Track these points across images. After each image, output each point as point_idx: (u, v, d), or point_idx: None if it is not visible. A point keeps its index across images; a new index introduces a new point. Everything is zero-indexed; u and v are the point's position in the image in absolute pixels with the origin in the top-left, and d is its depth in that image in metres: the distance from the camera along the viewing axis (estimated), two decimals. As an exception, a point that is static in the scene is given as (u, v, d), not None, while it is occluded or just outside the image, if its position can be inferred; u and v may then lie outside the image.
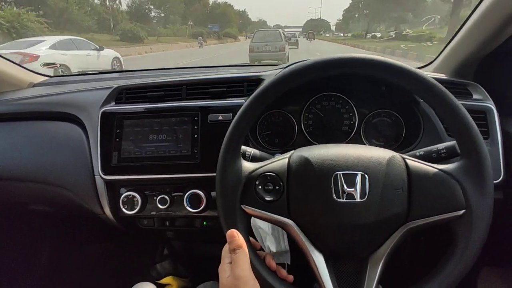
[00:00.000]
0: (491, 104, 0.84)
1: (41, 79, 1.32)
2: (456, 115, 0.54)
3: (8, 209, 1.24)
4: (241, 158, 0.61)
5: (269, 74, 0.91)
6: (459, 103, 0.54)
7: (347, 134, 0.93)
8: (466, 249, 0.53)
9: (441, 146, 0.65)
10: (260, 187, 0.58)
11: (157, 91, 0.92)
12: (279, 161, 0.60)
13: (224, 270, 0.52)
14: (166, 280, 1.13)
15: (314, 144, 0.91)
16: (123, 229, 0.97)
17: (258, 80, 0.90)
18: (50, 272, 1.36)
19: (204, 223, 0.95)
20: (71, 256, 1.41)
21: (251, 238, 0.61)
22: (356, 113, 0.93)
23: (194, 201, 0.85)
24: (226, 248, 0.55)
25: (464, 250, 0.53)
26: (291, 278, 0.60)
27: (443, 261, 0.55)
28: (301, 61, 0.61)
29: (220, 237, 0.58)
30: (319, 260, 0.56)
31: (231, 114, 0.85)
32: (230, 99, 0.89)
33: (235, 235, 0.54)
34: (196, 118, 0.87)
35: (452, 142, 0.65)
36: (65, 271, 1.39)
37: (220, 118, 0.86)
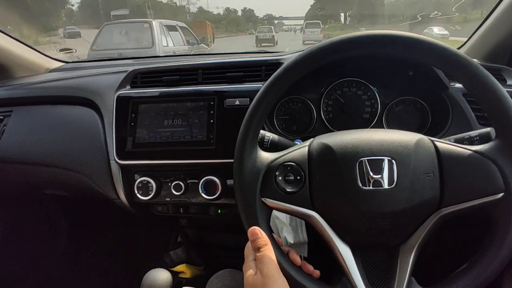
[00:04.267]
0: None
1: (57, 64, 1.32)
2: (498, 99, 0.49)
3: (25, 193, 1.25)
4: (259, 148, 0.58)
5: (289, 58, 0.87)
6: (499, 85, 0.50)
7: (369, 122, 0.89)
8: (507, 233, 0.49)
9: (473, 133, 0.61)
10: (280, 178, 0.55)
11: (173, 75, 0.90)
12: (299, 150, 0.57)
13: (249, 268, 0.49)
14: (180, 267, 1.13)
15: (333, 132, 0.88)
16: (138, 214, 0.97)
17: (277, 64, 0.87)
18: (67, 256, 1.38)
19: (219, 211, 0.93)
20: (87, 241, 1.43)
21: (273, 234, 0.58)
22: (378, 100, 0.88)
23: (209, 188, 0.83)
24: (248, 245, 0.52)
25: (505, 235, 0.49)
26: (317, 273, 0.57)
27: (482, 248, 0.51)
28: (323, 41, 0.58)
29: (234, 227, 0.56)
30: (346, 252, 0.53)
31: (248, 99, 0.82)
32: (248, 83, 0.86)
33: (258, 233, 0.51)
34: (212, 103, 0.84)
35: (486, 129, 0.60)
36: (82, 255, 1.41)
37: (237, 102, 0.83)
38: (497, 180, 0.50)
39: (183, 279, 1.13)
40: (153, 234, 1.43)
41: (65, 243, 1.37)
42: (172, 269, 1.12)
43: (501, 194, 0.49)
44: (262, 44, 18.21)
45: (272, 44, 17.99)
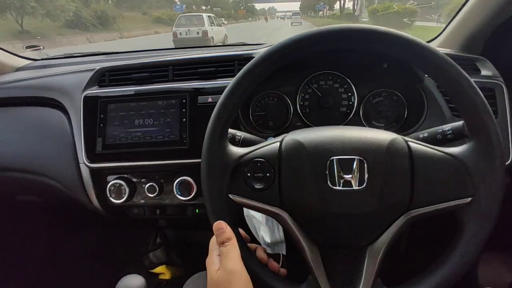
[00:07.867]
0: (500, 81, 0.78)
1: (25, 62, 1.25)
2: (466, 92, 0.48)
3: None
4: (229, 143, 0.56)
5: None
6: (470, 79, 0.48)
7: (346, 115, 0.88)
8: (473, 238, 0.49)
9: (446, 127, 0.60)
10: (249, 174, 0.53)
11: (143, 73, 0.86)
12: (270, 146, 0.55)
13: (213, 263, 0.48)
14: (159, 269, 1.11)
15: (310, 126, 0.86)
16: (113, 218, 0.94)
17: (249, 59, 0.84)
18: (44, 263, 1.33)
19: (197, 210, 0.91)
20: (65, 246, 1.39)
21: (240, 230, 0.57)
22: (355, 93, 0.87)
23: (184, 188, 0.81)
24: (213, 240, 0.51)
25: (470, 239, 0.49)
26: (284, 271, 0.55)
27: (448, 251, 0.50)
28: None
29: None
30: (313, 251, 0.52)
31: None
32: (220, 79, 0.83)
33: (223, 227, 0.50)
34: (184, 101, 0.81)
35: (459, 123, 0.59)
36: (59, 261, 1.36)
37: (210, 100, 0.80)
38: (467, 184, 0.49)
39: (163, 281, 1.11)
40: (131, 236, 1.40)
41: (42, 248, 1.33)
42: (151, 271, 1.10)
43: (470, 199, 0.49)
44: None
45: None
